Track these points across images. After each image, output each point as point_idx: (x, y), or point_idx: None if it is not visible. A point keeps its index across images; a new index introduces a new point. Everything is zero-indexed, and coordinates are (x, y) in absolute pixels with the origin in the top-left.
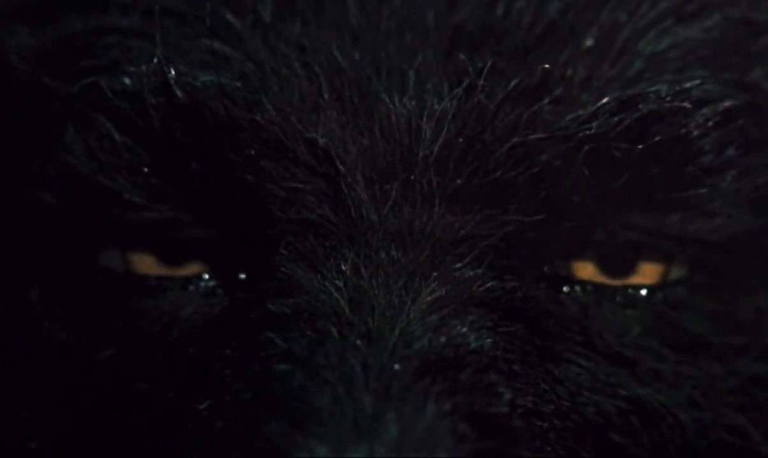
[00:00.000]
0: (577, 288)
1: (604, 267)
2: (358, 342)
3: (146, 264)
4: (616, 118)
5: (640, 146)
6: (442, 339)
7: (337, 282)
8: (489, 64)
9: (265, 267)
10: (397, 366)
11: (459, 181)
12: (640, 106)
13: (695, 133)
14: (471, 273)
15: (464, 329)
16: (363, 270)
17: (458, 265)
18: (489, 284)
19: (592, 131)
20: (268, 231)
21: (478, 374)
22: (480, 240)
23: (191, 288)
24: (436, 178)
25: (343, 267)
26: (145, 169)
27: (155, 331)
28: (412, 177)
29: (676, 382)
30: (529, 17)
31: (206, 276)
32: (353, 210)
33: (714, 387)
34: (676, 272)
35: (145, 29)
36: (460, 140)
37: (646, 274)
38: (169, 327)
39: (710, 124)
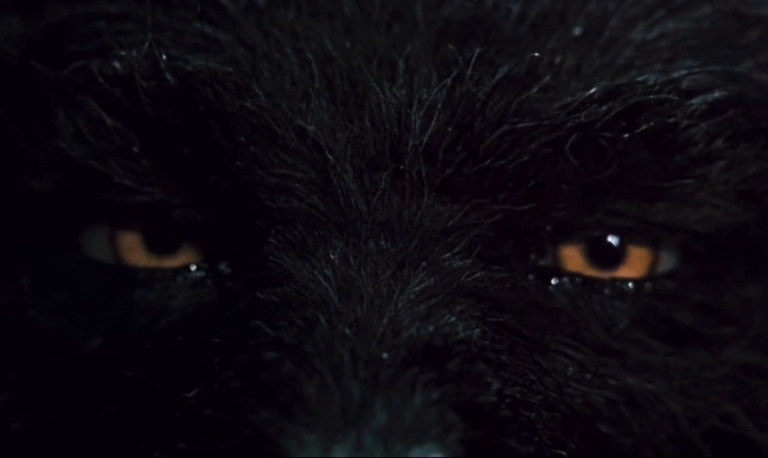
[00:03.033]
0: (566, 279)
1: (592, 257)
2: (347, 330)
3: (135, 255)
4: (604, 107)
5: (627, 135)
6: (431, 328)
7: (325, 271)
8: (477, 53)
9: (253, 256)
10: (385, 355)
11: (448, 171)
12: (629, 95)
13: (684, 123)
14: (460, 264)
15: (452, 318)
16: (352, 259)
17: (447, 255)
18: (478, 274)
19: (581, 120)
20: (256, 220)
21: (466, 363)
22: (469, 229)
23: (180, 278)
24: (426, 168)
25: (332, 257)
26: (136, 151)
27: (144, 321)
28: (401, 166)
29: (666, 372)
30: (519, 7)
31: (194, 267)
32: (342, 199)
33: (704, 377)
34: (664, 264)
35: (136, 13)
36: (449, 130)
37: (634, 266)
38: (158, 318)
39: (699, 114)
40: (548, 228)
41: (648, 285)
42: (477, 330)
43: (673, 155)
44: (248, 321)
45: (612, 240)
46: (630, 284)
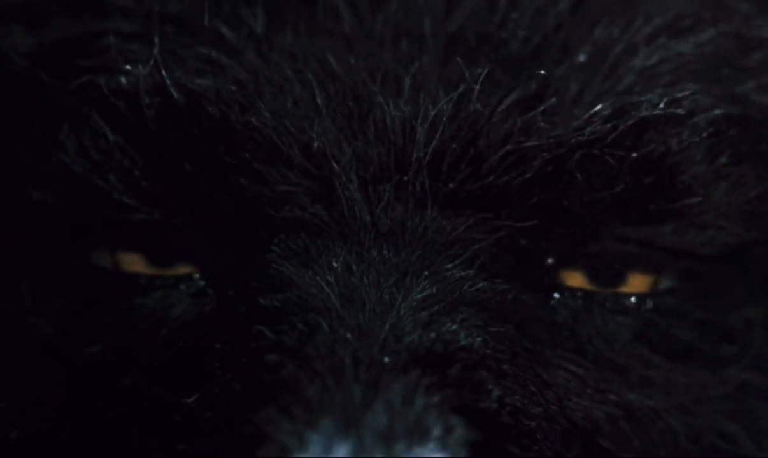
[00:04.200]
0: (567, 294)
1: (594, 277)
2: (348, 335)
3: (136, 263)
4: (608, 125)
5: (631, 154)
6: (432, 335)
7: (328, 277)
8: (485, 71)
9: (256, 264)
10: (387, 359)
11: (451, 185)
12: (632, 113)
13: (687, 142)
14: (462, 274)
15: (454, 326)
16: (354, 267)
17: (449, 266)
18: (480, 285)
19: (585, 137)
20: (259, 231)
21: (468, 370)
22: (472, 243)
23: (182, 287)
24: (429, 181)
25: (335, 264)
26: (137, 172)
27: (144, 328)
28: (405, 178)
29: (667, 389)
30: (525, 30)
31: (196, 275)
32: (346, 209)
33: (705, 394)
34: (666, 282)
35: (144, 33)
36: (454, 145)
37: (636, 284)
38: (158, 325)
39: (702, 134)
40: (550, 254)
41: (649, 301)
42: (479, 338)
43: (679, 175)
44: (249, 326)
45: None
46: (632, 299)
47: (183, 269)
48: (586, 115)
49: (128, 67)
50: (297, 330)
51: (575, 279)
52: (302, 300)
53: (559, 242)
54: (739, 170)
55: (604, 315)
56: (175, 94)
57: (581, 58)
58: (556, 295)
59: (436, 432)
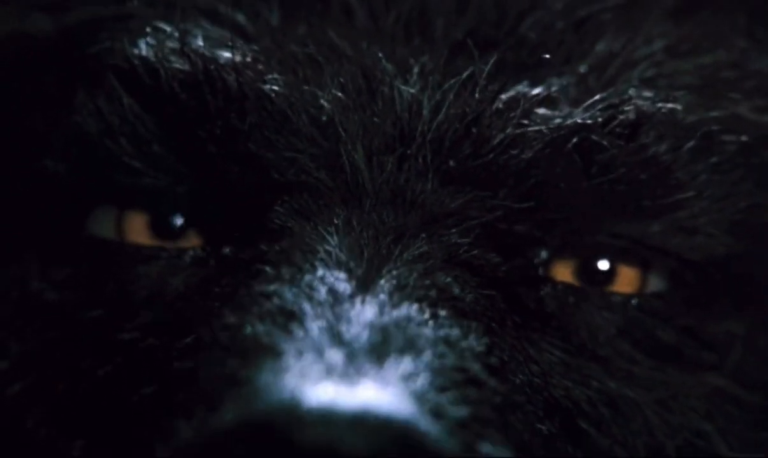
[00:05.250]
0: (556, 287)
1: (583, 273)
2: (345, 276)
3: (140, 235)
4: (607, 114)
5: (630, 144)
6: (427, 282)
7: (328, 228)
8: (492, 61)
9: (258, 224)
10: (383, 296)
11: (452, 163)
12: (630, 106)
13: (679, 143)
14: (458, 241)
15: (448, 279)
16: (355, 224)
17: (446, 232)
18: (474, 252)
19: (583, 122)
20: (264, 194)
21: (458, 316)
22: (469, 218)
23: (184, 257)
24: (431, 155)
25: (336, 221)
26: (148, 136)
27: (144, 294)
28: (409, 151)
29: (647, 384)
30: (531, 41)
31: (198, 248)
32: (350, 176)
33: (683, 393)
34: (653, 286)
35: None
36: (457, 125)
37: (623, 284)
38: (159, 291)
39: (694, 138)
40: (543, 253)
41: (636, 301)
42: (470, 294)
43: (671, 172)
44: (249, 268)
45: (603, 263)
46: (619, 298)
47: (185, 242)
48: (585, 104)
49: (149, 33)
50: (296, 267)
51: (565, 275)
52: (302, 248)
53: (552, 231)
54: (729, 179)
55: (590, 310)
56: (196, 61)
57: (582, 69)
58: (546, 288)
59: (427, 351)
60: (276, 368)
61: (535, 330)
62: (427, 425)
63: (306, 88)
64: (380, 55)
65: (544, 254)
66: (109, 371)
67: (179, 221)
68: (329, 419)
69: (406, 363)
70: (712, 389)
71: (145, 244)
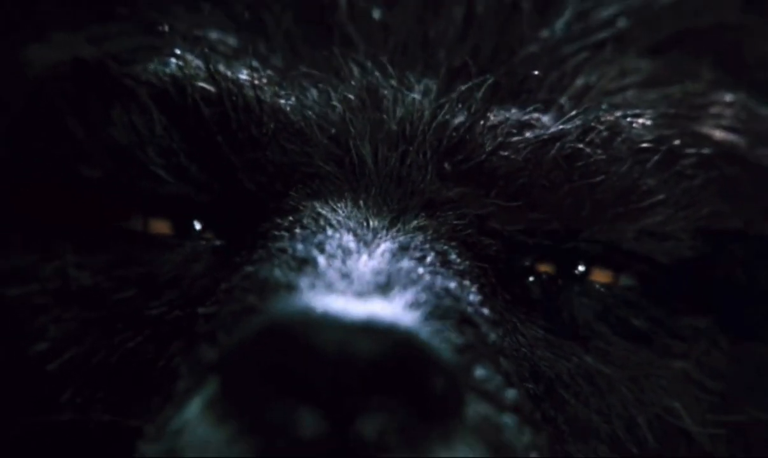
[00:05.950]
0: (542, 277)
1: (562, 270)
2: (353, 238)
3: (164, 229)
4: (587, 125)
5: (604, 152)
6: (426, 245)
7: (337, 205)
8: (486, 93)
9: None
10: (386, 254)
11: (446, 165)
12: (605, 119)
13: (648, 154)
14: (455, 222)
15: (445, 247)
16: (361, 204)
17: (444, 213)
18: (469, 231)
19: (562, 128)
20: (276, 183)
21: (455, 275)
22: (464, 206)
23: (205, 246)
24: (431, 152)
25: (344, 201)
26: (175, 147)
27: (169, 277)
28: (411, 148)
29: (622, 362)
30: (518, 74)
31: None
32: (357, 168)
33: (653, 374)
34: (626, 281)
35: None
36: (453, 133)
37: (598, 277)
38: (182, 274)
39: (660, 151)
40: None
41: (613, 290)
42: (467, 261)
43: (642, 180)
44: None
45: (580, 267)
46: (596, 286)
47: (205, 237)
48: (567, 116)
49: (178, 53)
50: (308, 234)
51: (547, 268)
52: (313, 216)
53: (536, 234)
54: (692, 188)
55: (570, 296)
56: (219, 80)
57: (562, 101)
58: (530, 278)
59: (427, 293)
60: (291, 295)
61: (521, 311)
62: (428, 336)
63: (315, 101)
64: (378, 75)
65: (527, 260)
66: (139, 343)
67: (198, 226)
68: (340, 324)
69: (409, 295)
70: (679, 372)
71: (168, 235)
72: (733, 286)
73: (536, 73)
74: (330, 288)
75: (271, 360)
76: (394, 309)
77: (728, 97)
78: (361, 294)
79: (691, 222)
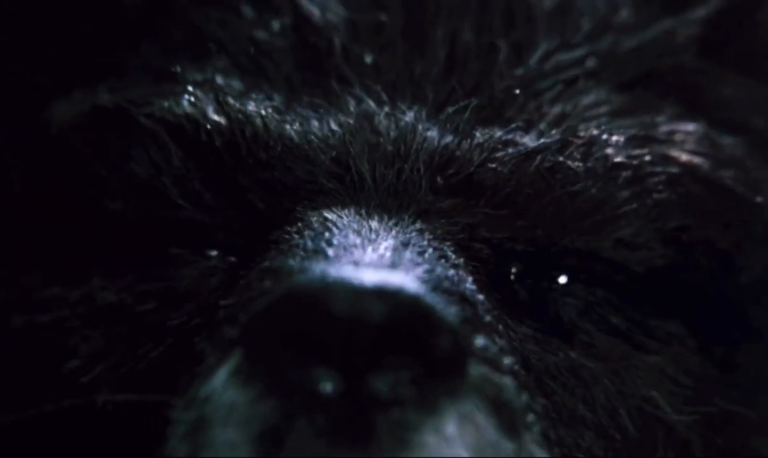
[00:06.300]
0: (528, 282)
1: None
2: (356, 237)
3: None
4: (566, 139)
5: (588, 164)
6: (424, 242)
7: (341, 214)
8: (471, 115)
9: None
10: (388, 250)
11: (439, 179)
12: (582, 134)
13: (619, 171)
14: (449, 228)
15: (441, 246)
16: (363, 212)
17: (438, 221)
18: (462, 235)
19: (546, 146)
20: (283, 201)
21: (452, 268)
22: (456, 216)
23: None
24: (424, 169)
25: (346, 212)
26: (189, 176)
27: (187, 290)
28: (405, 165)
29: (604, 356)
30: (500, 104)
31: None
32: (357, 184)
33: (633, 366)
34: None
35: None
36: (444, 151)
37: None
38: (199, 289)
39: (630, 168)
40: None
41: (592, 292)
42: (461, 258)
43: (617, 193)
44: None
45: (563, 272)
46: (579, 288)
47: (220, 254)
48: (547, 134)
49: (191, 90)
50: (316, 234)
51: (532, 271)
52: (320, 220)
53: (522, 241)
54: (660, 203)
55: (555, 297)
56: (229, 112)
57: (541, 127)
58: (518, 281)
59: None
60: (304, 270)
61: (511, 309)
62: (433, 300)
63: (317, 126)
64: (373, 103)
65: (515, 265)
66: (161, 351)
67: (213, 244)
68: (352, 289)
69: (414, 272)
70: (654, 366)
71: (185, 253)
72: (701, 293)
73: (517, 92)
74: (341, 261)
75: (288, 325)
76: (401, 276)
77: (691, 127)
78: (370, 266)
79: (660, 233)
